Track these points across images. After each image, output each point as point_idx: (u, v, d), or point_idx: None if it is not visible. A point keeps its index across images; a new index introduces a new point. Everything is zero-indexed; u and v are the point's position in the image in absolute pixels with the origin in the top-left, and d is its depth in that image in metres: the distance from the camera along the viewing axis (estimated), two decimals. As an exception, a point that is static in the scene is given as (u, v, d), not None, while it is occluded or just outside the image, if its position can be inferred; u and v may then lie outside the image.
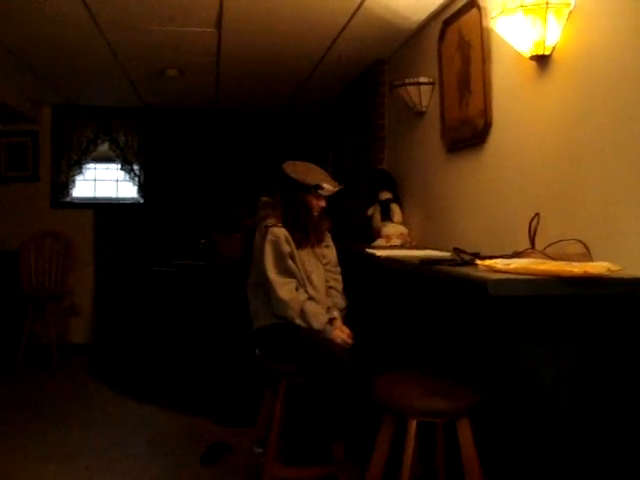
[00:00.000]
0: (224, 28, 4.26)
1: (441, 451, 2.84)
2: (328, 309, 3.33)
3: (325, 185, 3.35)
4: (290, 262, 3.27)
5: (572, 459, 2.37)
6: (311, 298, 3.27)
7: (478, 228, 3.35)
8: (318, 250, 3.48)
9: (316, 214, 3.41)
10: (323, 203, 3.40)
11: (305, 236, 3.37)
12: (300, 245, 3.35)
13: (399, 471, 2.42)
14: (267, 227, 3.31)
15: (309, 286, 3.32)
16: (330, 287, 3.46)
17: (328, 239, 3.56)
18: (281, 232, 3.29)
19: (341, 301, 3.45)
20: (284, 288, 3.21)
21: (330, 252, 3.55)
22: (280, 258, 3.27)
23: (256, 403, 3.54)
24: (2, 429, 4.43)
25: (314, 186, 3.33)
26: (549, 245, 2.47)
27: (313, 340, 3.15)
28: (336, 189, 3.39)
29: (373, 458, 2.58)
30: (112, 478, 3.64)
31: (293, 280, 3.26)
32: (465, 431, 2.42)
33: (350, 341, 3.21)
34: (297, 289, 3.25)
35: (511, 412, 2.62)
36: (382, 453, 2.57)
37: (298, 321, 3.19)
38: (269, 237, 3.28)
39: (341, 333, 3.22)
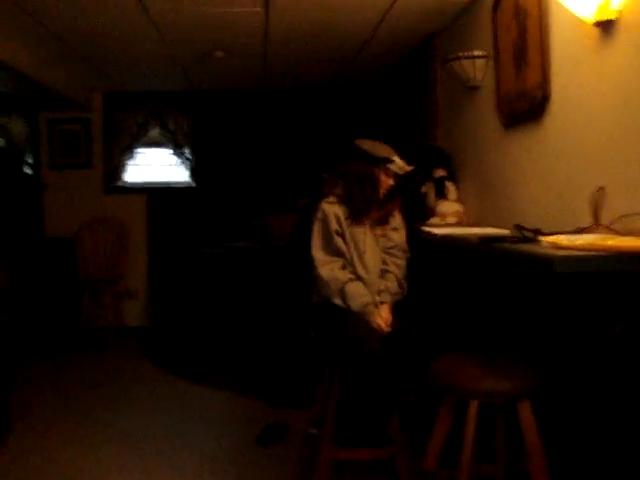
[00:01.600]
0: (271, 7, 4.21)
1: (501, 433, 2.79)
2: (379, 292, 3.24)
3: (396, 159, 3.23)
4: (338, 240, 3.21)
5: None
6: (359, 278, 3.21)
7: (537, 204, 3.25)
8: (380, 231, 3.33)
9: (383, 192, 3.28)
10: (391, 181, 3.26)
11: (366, 212, 3.25)
12: (356, 222, 3.25)
13: (458, 453, 2.39)
14: (320, 204, 3.26)
15: (359, 266, 3.23)
16: (387, 271, 3.31)
17: (397, 221, 3.39)
18: (332, 209, 3.24)
19: (395, 286, 3.27)
20: (326, 267, 3.17)
21: (398, 235, 3.37)
22: (326, 236, 3.22)
23: (310, 384, 3.53)
24: (59, 408, 4.52)
25: (384, 159, 3.22)
26: (614, 220, 2.37)
27: (345, 321, 3.10)
28: (407, 167, 3.26)
29: (432, 439, 2.56)
30: (166, 458, 3.66)
31: (339, 259, 3.21)
32: (526, 412, 2.37)
33: (386, 328, 3.08)
34: (343, 268, 3.21)
35: (575, 393, 2.55)
36: (441, 434, 2.55)
37: (337, 301, 3.15)
38: (319, 215, 3.25)
39: (378, 318, 3.11)
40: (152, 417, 4.37)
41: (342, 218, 3.24)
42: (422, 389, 3.59)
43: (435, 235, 3.17)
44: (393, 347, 3.01)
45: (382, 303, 3.20)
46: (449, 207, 4.12)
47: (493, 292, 3.21)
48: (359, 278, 3.23)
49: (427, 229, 3.41)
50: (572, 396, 2.60)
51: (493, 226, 3.43)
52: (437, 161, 4.35)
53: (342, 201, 3.26)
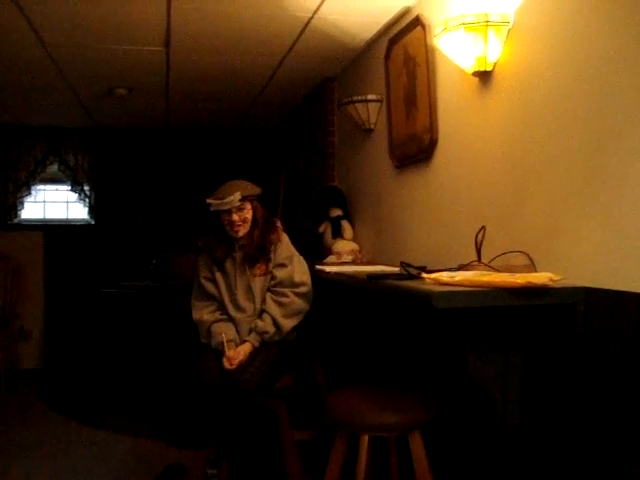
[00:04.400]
0: (172, 47, 4.25)
1: (395, 466, 2.85)
2: (250, 331, 3.31)
3: (208, 200, 3.29)
4: (207, 285, 3.41)
5: (520, 469, 2.40)
6: (231, 319, 3.35)
7: (427, 243, 3.38)
8: (258, 271, 3.37)
9: (236, 233, 3.32)
10: (233, 217, 3.27)
11: (216, 255, 3.38)
12: (223, 266, 3.39)
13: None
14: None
15: (230, 307, 3.37)
16: (264, 310, 3.32)
17: (282, 257, 3.37)
18: (203, 258, 3.47)
19: (265, 325, 3.27)
20: (196, 312, 3.42)
21: (282, 272, 3.35)
22: (198, 283, 3.46)
23: (210, 424, 3.51)
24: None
25: (207, 204, 3.32)
26: (494, 258, 2.50)
27: (199, 357, 3.30)
28: (224, 201, 3.23)
29: (327, 474, 2.58)
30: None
31: (212, 303, 3.42)
32: (417, 445, 2.43)
33: (229, 367, 3.13)
34: (216, 310, 3.40)
35: (462, 424, 2.64)
36: (335, 468, 2.57)
37: (203, 340, 3.37)
38: (196, 264, 3.51)
39: (225, 358, 3.16)
40: (49, 463, 4.19)
41: (211, 264, 3.41)
42: (320, 426, 3.64)
43: (327, 273, 3.24)
44: (230, 384, 3.10)
45: (245, 342, 3.27)
46: (345, 246, 4.22)
47: (385, 328, 3.30)
48: (231, 319, 3.36)
49: (320, 267, 3.48)
50: (459, 427, 2.70)
51: (387, 264, 3.53)
52: (333, 201, 4.45)
53: (207, 249, 3.45)
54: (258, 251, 3.34)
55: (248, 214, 3.32)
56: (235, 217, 3.27)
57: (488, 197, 2.77)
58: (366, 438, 2.44)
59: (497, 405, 2.39)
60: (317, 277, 3.44)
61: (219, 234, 3.37)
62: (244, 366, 3.13)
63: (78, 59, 4.55)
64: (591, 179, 2.11)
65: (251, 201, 3.34)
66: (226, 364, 3.14)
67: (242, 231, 3.31)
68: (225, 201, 3.23)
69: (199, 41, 4.15)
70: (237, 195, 3.23)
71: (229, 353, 3.17)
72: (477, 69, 2.66)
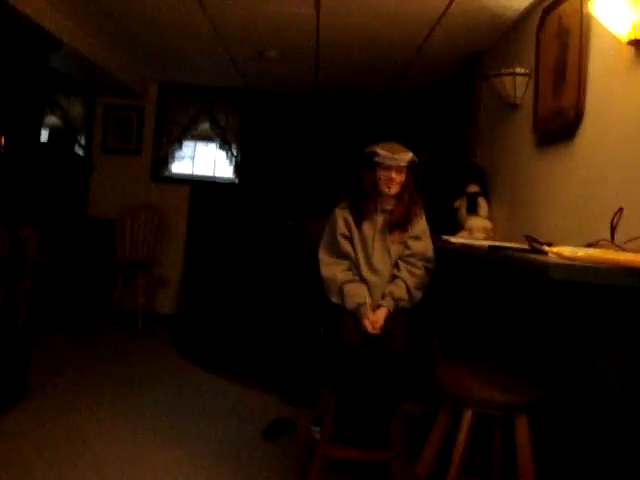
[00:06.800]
0: (323, 9, 4.26)
1: (498, 445, 2.76)
2: (383, 295, 3.26)
3: (379, 150, 3.24)
4: (343, 242, 3.33)
5: (630, 468, 2.25)
6: (364, 280, 3.29)
7: (563, 224, 3.21)
8: (397, 237, 3.34)
9: (388, 190, 3.28)
10: (393, 175, 3.26)
11: (364, 211, 3.32)
12: (364, 226, 3.33)
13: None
14: (334, 210, 3.41)
15: (365, 268, 3.31)
16: (397, 276, 3.30)
17: (419, 230, 3.37)
18: (341, 214, 3.37)
19: (400, 292, 3.25)
20: (327, 267, 3.33)
21: (417, 244, 3.34)
22: (332, 238, 3.37)
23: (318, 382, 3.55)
24: (78, 380, 4.67)
25: (369, 154, 3.28)
26: (630, 240, 2.34)
27: (337, 318, 3.20)
28: (395, 156, 3.23)
29: (427, 444, 2.55)
30: (172, 436, 3.75)
31: (344, 261, 3.33)
32: (522, 428, 2.34)
33: (371, 330, 3.12)
34: (349, 269, 3.32)
35: (572, 413, 2.51)
36: (436, 440, 2.53)
37: (334, 299, 3.28)
38: (330, 219, 3.41)
39: (365, 319, 3.14)
40: (166, 399, 4.45)
41: (351, 222, 3.35)
42: (429, 401, 3.58)
43: (450, 243, 3.17)
44: (374, 348, 3.06)
45: (380, 306, 3.23)
46: (478, 223, 4.10)
47: (504, 304, 3.20)
48: (364, 280, 3.30)
49: (445, 237, 3.41)
50: (570, 415, 2.56)
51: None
52: (472, 177, 4.34)
53: (350, 206, 3.38)
54: (402, 219, 3.33)
55: (404, 178, 3.31)
56: (394, 175, 3.27)
57: (629, 178, 2.58)
58: (470, 413, 2.37)
59: (614, 398, 2.25)
60: (440, 250, 3.37)
61: (367, 192, 3.35)
62: (389, 332, 3.12)
63: (232, 20, 4.69)
64: None
65: (410, 167, 3.33)
66: (369, 328, 3.13)
67: (394, 190, 3.30)
68: (397, 157, 3.25)
69: (349, 5, 4.15)
70: (409, 156, 3.27)
71: (372, 317, 3.17)
72: (633, 37, 2.46)
